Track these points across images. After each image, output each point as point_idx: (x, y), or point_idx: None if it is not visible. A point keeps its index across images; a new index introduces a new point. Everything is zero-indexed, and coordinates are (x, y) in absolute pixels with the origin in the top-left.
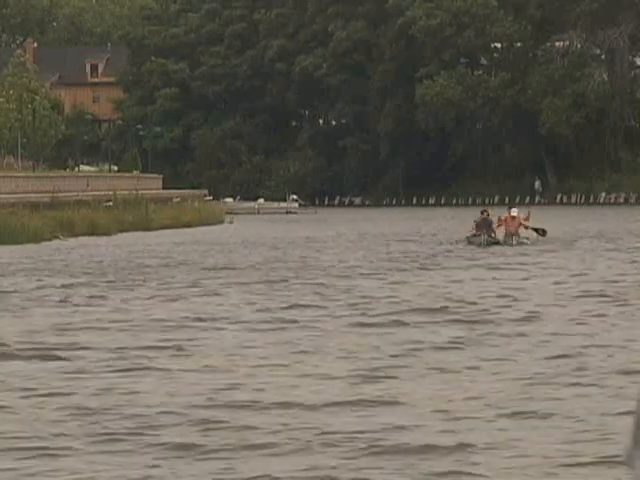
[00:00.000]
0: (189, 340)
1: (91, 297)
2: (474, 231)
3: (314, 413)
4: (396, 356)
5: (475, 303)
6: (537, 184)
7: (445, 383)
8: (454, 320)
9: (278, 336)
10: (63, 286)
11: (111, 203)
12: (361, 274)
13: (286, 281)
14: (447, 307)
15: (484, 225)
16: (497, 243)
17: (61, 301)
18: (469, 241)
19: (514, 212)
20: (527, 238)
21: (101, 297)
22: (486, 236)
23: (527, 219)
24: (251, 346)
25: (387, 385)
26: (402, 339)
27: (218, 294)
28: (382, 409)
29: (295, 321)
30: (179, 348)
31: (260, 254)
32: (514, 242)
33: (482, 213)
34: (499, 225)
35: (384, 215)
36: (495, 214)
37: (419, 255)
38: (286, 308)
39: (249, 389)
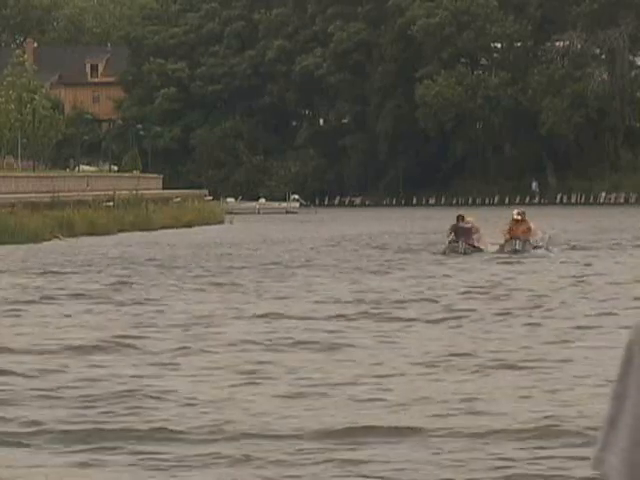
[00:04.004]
0: None
1: None
2: (453, 237)
3: None
4: None
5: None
6: (534, 185)
7: None
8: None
9: None
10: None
11: (111, 203)
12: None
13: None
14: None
15: (461, 232)
16: (480, 250)
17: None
18: (449, 249)
19: (517, 215)
20: (536, 247)
21: None
22: (464, 244)
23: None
24: None
25: None
26: None
27: None
28: None
29: None
30: None
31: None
32: (517, 247)
33: (457, 219)
34: (508, 233)
35: (376, 215)
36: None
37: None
38: None
39: None
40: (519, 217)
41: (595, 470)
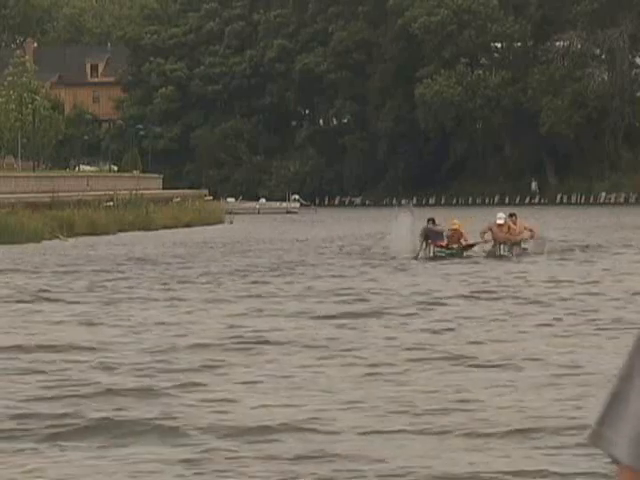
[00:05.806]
0: None
1: None
2: (425, 241)
3: None
4: None
5: None
6: (534, 185)
7: None
8: None
9: None
10: None
11: (111, 203)
12: None
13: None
14: None
15: (430, 235)
16: (461, 250)
17: None
18: (420, 253)
19: (500, 219)
20: (525, 249)
21: None
22: (433, 247)
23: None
24: None
25: None
26: None
27: None
28: None
29: None
30: None
31: None
32: (503, 252)
33: (428, 222)
34: (490, 235)
35: (375, 215)
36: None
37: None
38: None
39: None
40: (501, 222)
41: (593, 445)
